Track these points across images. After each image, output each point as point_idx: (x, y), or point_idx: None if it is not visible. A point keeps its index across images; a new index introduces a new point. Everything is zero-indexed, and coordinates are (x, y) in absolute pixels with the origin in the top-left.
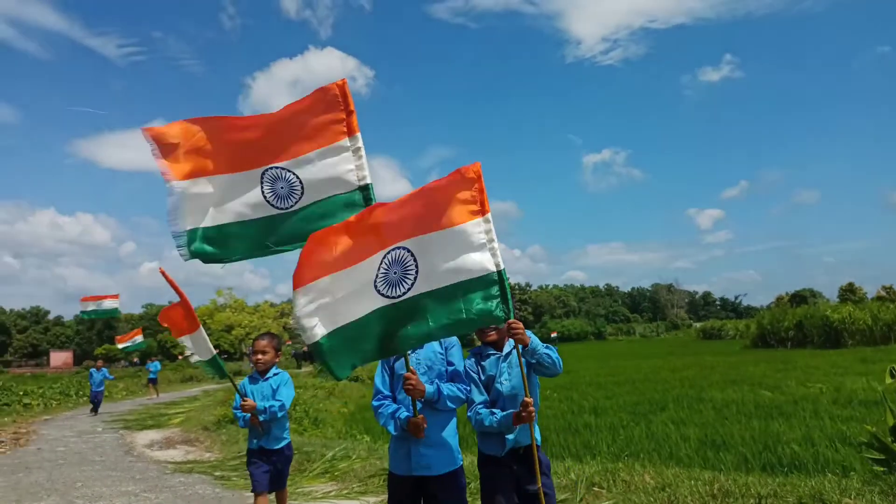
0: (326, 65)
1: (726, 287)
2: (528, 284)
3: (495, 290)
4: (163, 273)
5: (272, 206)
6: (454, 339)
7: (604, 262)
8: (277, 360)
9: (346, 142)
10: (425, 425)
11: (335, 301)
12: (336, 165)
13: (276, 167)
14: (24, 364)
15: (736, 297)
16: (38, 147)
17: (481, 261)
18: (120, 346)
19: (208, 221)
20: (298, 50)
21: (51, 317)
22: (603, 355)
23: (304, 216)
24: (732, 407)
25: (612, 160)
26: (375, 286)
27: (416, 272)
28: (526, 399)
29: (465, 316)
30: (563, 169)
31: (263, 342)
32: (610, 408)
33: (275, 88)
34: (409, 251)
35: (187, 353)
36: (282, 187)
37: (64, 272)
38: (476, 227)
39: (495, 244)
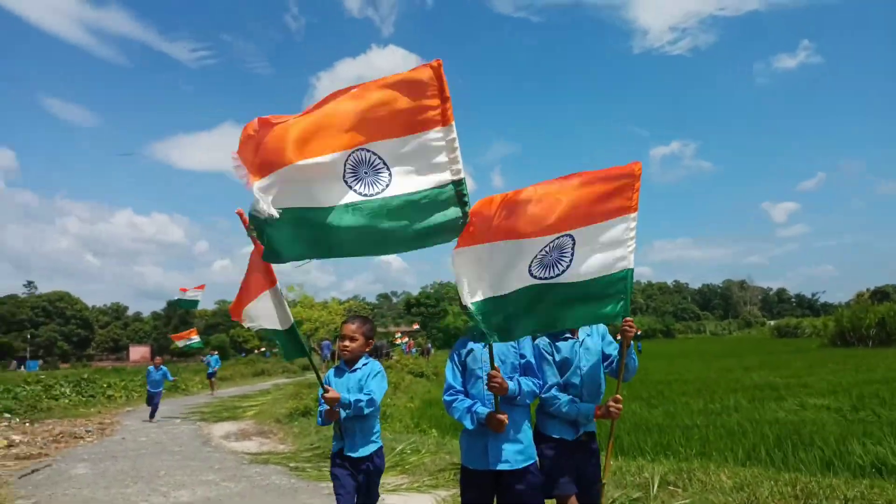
0: (389, 62)
1: (802, 283)
2: None
3: (623, 287)
4: (241, 215)
5: (355, 192)
6: None
7: (671, 257)
8: (368, 348)
9: (439, 131)
10: (507, 422)
11: (488, 270)
12: (428, 157)
13: (360, 149)
14: (106, 358)
15: (813, 294)
16: (116, 149)
17: (620, 257)
18: (178, 343)
19: (285, 203)
20: (361, 49)
21: (129, 313)
22: (673, 354)
23: (392, 215)
24: (811, 410)
25: (680, 153)
26: (530, 268)
27: (571, 260)
28: (617, 395)
29: (594, 310)
30: (629, 162)
31: (353, 326)
32: (682, 406)
33: (338, 87)
34: (572, 239)
35: (255, 322)
36: (365, 172)
37: (141, 270)
38: (624, 223)
39: (634, 242)
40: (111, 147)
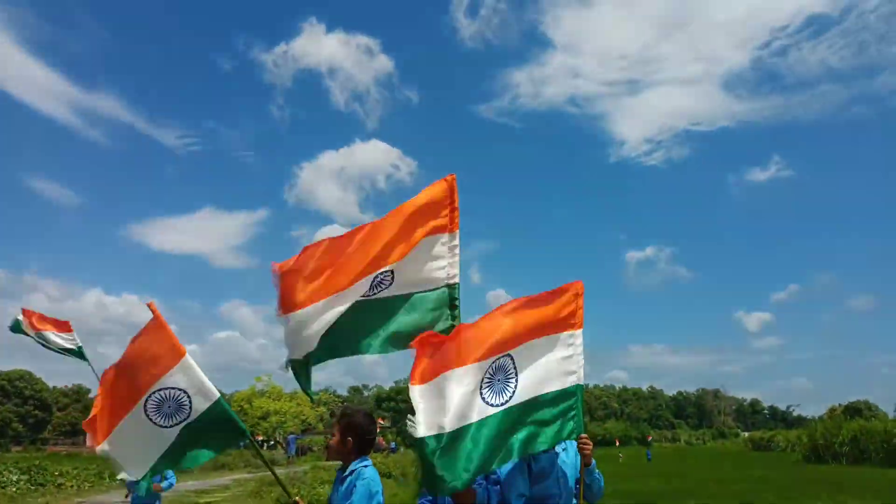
0: (371, 155)
1: (776, 395)
2: None
3: (574, 402)
4: (152, 308)
5: (364, 296)
6: None
7: (647, 363)
8: (348, 448)
9: (444, 237)
10: None
11: (443, 403)
12: (429, 261)
13: (384, 271)
14: (61, 442)
15: (788, 407)
16: (94, 230)
17: (569, 372)
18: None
19: (314, 344)
20: (344, 141)
21: (91, 395)
22: (647, 464)
23: (389, 310)
24: None
25: (655, 257)
26: (482, 395)
27: (516, 381)
28: None
29: (548, 431)
30: (604, 265)
31: (335, 419)
32: None
33: (320, 178)
34: (511, 359)
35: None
36: (381, 282)
37: (107, 351)
38: (569, 339)
39: (581, 358)
40: (89, 227)
